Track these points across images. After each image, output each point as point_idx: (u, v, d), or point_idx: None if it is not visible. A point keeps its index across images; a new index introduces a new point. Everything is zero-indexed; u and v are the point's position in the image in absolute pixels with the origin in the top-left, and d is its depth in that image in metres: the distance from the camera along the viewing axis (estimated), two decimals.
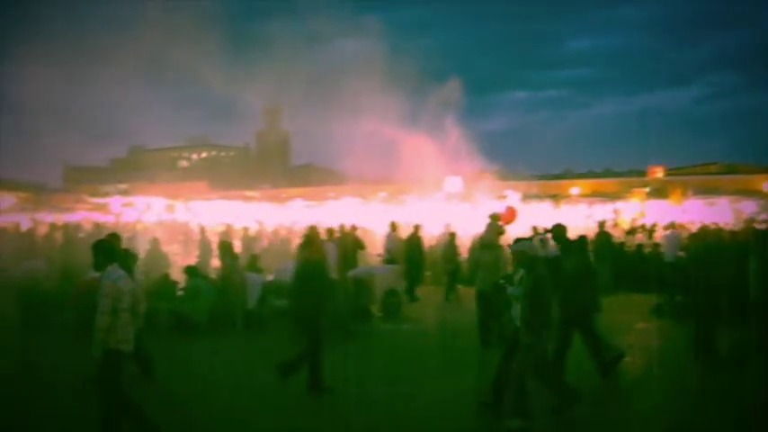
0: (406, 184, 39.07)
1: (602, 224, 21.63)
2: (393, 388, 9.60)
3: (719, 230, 19.87)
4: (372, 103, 35.01)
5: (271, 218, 34.92)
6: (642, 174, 52.38)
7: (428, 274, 20.58)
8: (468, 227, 20.44)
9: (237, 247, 20.77)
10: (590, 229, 23.02)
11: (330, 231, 18.84)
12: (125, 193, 61.60)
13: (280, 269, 17.19)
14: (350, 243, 18.85)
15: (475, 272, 14.11)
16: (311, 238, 10.66)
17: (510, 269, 10.97)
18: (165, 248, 19.78)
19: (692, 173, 54.05)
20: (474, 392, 8.81)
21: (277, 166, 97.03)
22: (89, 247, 7.39)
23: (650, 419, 8.62)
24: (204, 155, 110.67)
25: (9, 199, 51.07)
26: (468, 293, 15.70)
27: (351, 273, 15.99)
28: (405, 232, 20.84)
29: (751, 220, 26.84)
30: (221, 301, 13.91)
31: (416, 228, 20.03)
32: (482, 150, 36.83)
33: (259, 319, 14.35)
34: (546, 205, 34.63)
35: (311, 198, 48.86)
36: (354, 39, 39.39)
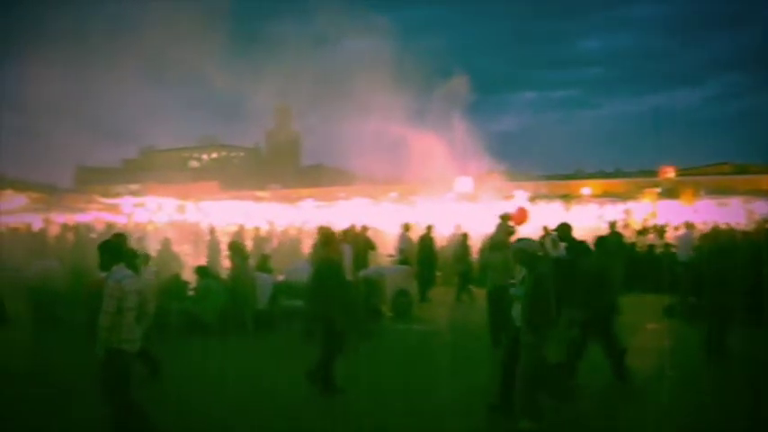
0: (416, 185, 39.06)
1: (612, 224, 21.56)
2: (404, 388, 9.59)
3: (731, 231, 19.80)
4: (382, 102, 35.03)
5: (281, 218, 34.96)
6: (653, 174, 52.19)
7: (438, 274, 20.56)
8: (479, 227, 20.42)
9: (249, 247, 20.84)
10: (601, 230, 23.00)
11: (345, 232, 18.83)
12: (136, 193, 61.79)
13: (290, 269, 17.23)
14: (360, 243, 18.85)
15: (485, 272, 14.11)
16: (329, 237, 10.61)
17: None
18: (176, 249, 19.84)
19: (704, 173, 53.82)
20: (485, 393, 8.79)
21: (287, 166, 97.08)
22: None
23: (663, 420, 8.59)
24: (215, 155, 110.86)
25: (21, 199, 51.30)
26: (480, 294, 15.68)
27: (361, 273, 15.99)
28: (416, 233, 20.84)
29: (763, 221, 26.69)
30: (232, 302, 13.92)
31: (429, 228, 20.00)
32: (492, 150, 36.83)
33: (270, 320, 14.37)
34: (556, 206, 34.51)
35: (322, 198, 48.87)
36: (364, 38, 39.33)
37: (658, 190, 42.97)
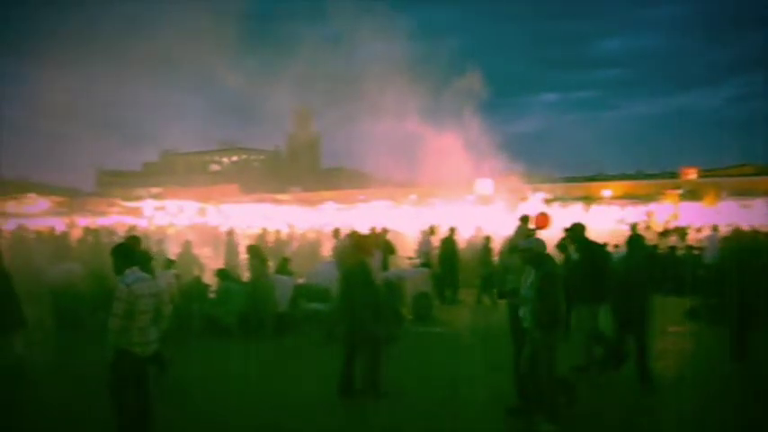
0: (435, 187, 39.02)
1: (634, 226, 21.44)
2: (424, 390, 9.59)
3: (755, 232, 19.64)
4: (401, 105, 35.05)
5: (302, 221, 35.03)
6: (675, 175, 51.90)
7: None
8: (498, 229, 20.35)
9: (270, 249, 20.92)
10: (622, 232, 22.87)
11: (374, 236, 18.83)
12: (157, 196, 62.22)
13: (311, 272, 17.25)
14: (380, 246, 18.84)
15: (504, 275, 14.06)
16: (361, 241, 10.62)
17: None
18: (197, 252, 19.93)
19: (726, 174, 53.39)
20: (504, 395, 8.76)
21: (307, 169, 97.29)
22: None
23: (685, 423, 8.53)
24: (235, 158, 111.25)
25: (44, 203, 51.78)
26: None
27: (382, 276, 15.97)
28: (439, 236, 20.82)
29: None
30: (252, 305, 13.96)
31: (451, 231, 19.95)
32: (512, 152, 36.72)
33: (290, 322, 14.40)
34: (575, 208, 34.37)
35: (342, 201, 48.98)
36: (383, 41, 39.35)
37: (680, 191, 42.68)
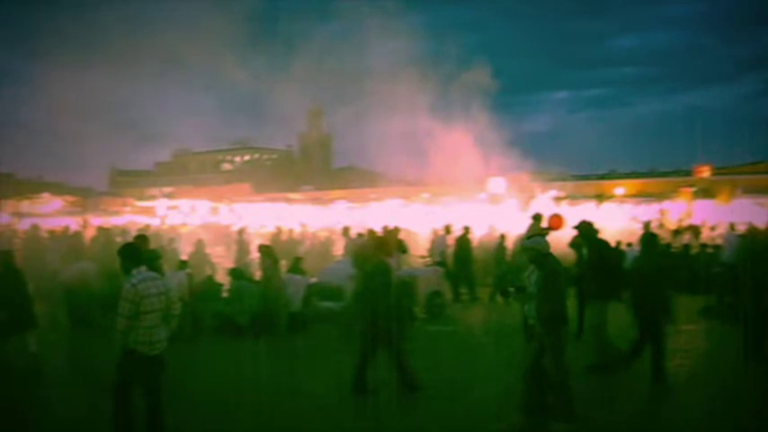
0: (448, 186, 38.96)
1: (647, 225, 21.35)
2: (436, 389, 9.56)
3: None
4: (413, 103, 35.00)
5: (314, 220, 35.05)
6: (688, 173, 51.57)
7: None
8: (511, 228, 20.32)
9: (283, 248, 20.95)
10: (635, 230, 22.77)
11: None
12: (170, 196, 62.44)
13: (323, 271, 17.28)
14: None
15: (517, 273, 14.04)
16: (382, 241, 10.65)
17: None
18: (210, 251, 19.98)
19: (740, 172, 52.96)
20: (518, 394, 8.74)
21: (319, 168, 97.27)
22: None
23: (698, 422, 8.49)
24: (247, 157, 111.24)
25: (57, 202, 52.10)
26: None
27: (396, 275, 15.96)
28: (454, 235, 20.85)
29: None
30: (264, 304, 13.99)
31: (466, 230, 19.93)
32: (525, 150, 36.60)
33: (303, 321, 14.42)
34: (587, 205, 34.21)
35: (353, 200, 48.98)
36: (395, 39, 39.30)
37: (693, 189, 42.45)
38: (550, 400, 8.20)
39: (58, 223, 31.72)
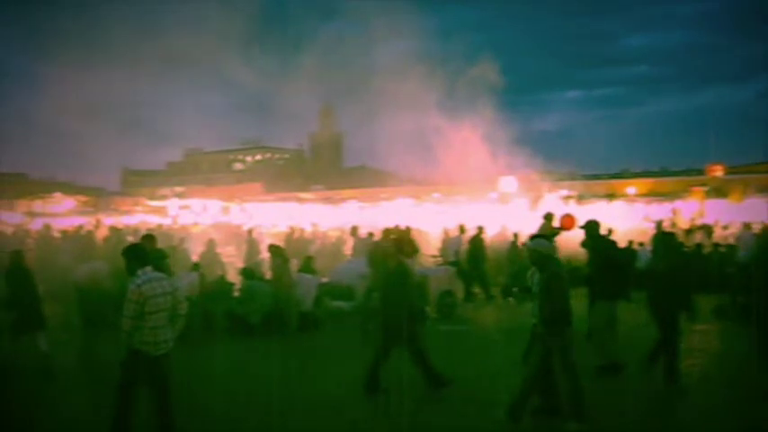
0: (459, 185, 38.91)
1: (659, 224, 21.27)
2: (449, 389, 9.55)
3: None
4: (424, 103, 34.97)
5: (325, 219, 35.06)
6: (701, 172, 51.37)
7: None
8: (523, 228, 20.30)
9: (296, 248, 20.98)
10: (647, 230, 22.70)
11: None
12: (181, 195, 62.63)
13: (335, 271, 17.29)
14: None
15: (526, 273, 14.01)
16: (402, 240, 10.68)
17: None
18: (221, 250, 20.01)
19: (753, 171, 52.68)
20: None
21: (330, 167, 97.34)
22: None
23: (711, 423, 8.46)
24: (258, 157, 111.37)
25: (70, 202, 52.33)
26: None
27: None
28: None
29: None
30: (275, 303, 14.00)
31: (480, 230, 19.90)
32: (536, 150, 36.51)
33: (314, 321, 14.43)
34: (598, 205, 34.07)
35: (365, 199, 48.98)
36: (405, 39, 39.31)
37: (706, 189, 42.26)
38: (562, 401, 8.18)
39: (70, 223, 31.89)
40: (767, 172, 49.30)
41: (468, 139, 34.71)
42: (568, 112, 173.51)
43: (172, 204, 52.70)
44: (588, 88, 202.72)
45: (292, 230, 25.19)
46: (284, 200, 53.95)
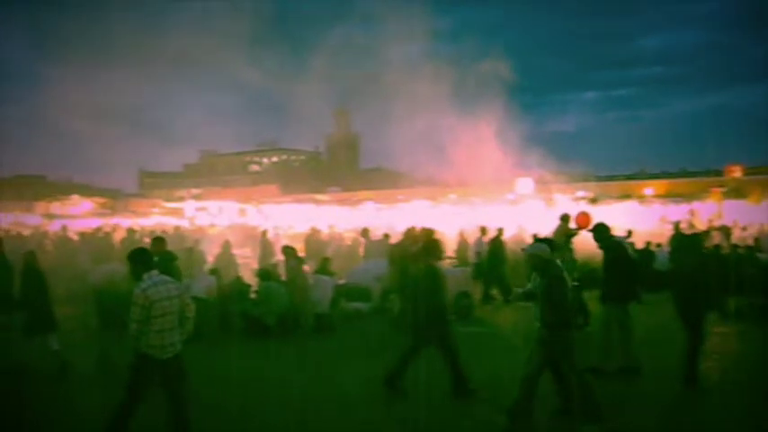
0: (475, 186, 38.84)
1: (677, 225, 21.16)
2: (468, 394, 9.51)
3: None
4: (440, 104, 34.92)
5: (342, 221, 35.07)
6: (719, 173, 51.09)
7: None
8: (539, 229, 20.25)
9: (313, 249, 20.99)
10: (665, 231, 22.59)
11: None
12: (198, 197, 62.86)
13: (351, 272, 17.29)
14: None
15: None
16: (432, 243, 10.70)
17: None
18: (237, 252, 20.04)
19: None
20: (548, 396, 8.67)
21: (347, 169, 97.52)
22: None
23: (729, 425, 8.39)
24: (275, 159, 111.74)
25: (87, 204, 52.65)
26: None
27: None
28: (475, 235, 20.78)
29: None
30: (290, 304, 14.01)
31: (500, 231, 19.86)
32: (552, 151, 36.41)
33: (331, 322, 14.43)
34: (615, 206, 33.90)
35: (381, 201, 49.01)
36: (422, 40, 39.30)
37: (724, 189, 41.98)
38: (577, 403, 8.15)
39: (87, 225, 32.07)
40: None
41: (484, 141, 34.64)
42: (585, 113, 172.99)
43: (188, 206, 52.86)
44: (605, 89, 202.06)
45: (313, 231, 25.14)
46: (300, 201, 54.06)
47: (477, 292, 17.84)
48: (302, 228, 29.78)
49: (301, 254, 17.55)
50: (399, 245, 14.58)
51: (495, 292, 18.60)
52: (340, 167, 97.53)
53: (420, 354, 9.54)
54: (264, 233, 23.71)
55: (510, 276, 19.03)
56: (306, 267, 15.40)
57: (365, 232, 21.21)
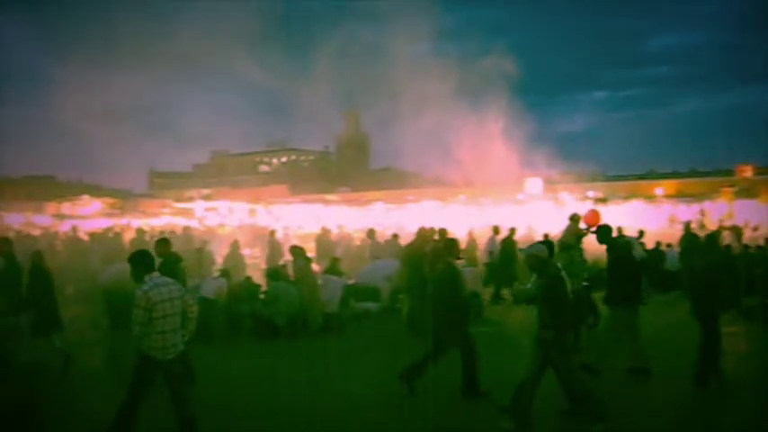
0: (485, 187, 38.82)
1: (687, 225, 21.07)
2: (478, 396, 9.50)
3: None
4: (450, 105, 34.95)
5: (351, 221, 35.07)
6: (730, 173, 50.85)
7: None
8: (549, 229, 20.21)
9: (323, 250, 20.99)
10: (675, 231, 22.50)
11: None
12: (208, 197, 62.93)
13: (361, 272, 17.28)
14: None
15: None
16: (451, 243, 10.72)
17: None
18: (246, 252, 20.05)
19: None
20: (557, 396, 8.65)
21: (356, 169, 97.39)
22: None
23: (739, 426, 8.36)
24: (285, 159, 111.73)
25: (97, 204, 52.78)
26: None
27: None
28: (484, 235, 20.73)
29: None
30: (299, 305, 14.01)
31: (512, 231, 19.83)
32: (562, 151, 36.46)
33: (340, 322, 14.43)
34: (624, 206, 33.79)
35: (391, 201, 48.95)
36: (431, 41, 39.37)
37: (735, 189, 41.77)
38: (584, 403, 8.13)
39: (97, 225, 32.16)
40: None
41: (493, 141, 34.66)
42: (594, 113, 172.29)
43: (198, 206, 52.93)
44: (614, 89, 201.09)
45: (323, 231, 25.12)
46: (310, 202, 54.08)
47: (486, 292, 17.81)
48: (312, 228, 29.75)
49: (311, 254, 17.56)
50: (412, 245, 14.55)
51: (505, 292, 18.56)
52: (349, 168, 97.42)
53: (446, 355, 9.51)
54: (272, 233, 23.70)
55: (521, 277, 19.00)
56: (315, 267, 15.41)
57: (371, 233, 21.17)
